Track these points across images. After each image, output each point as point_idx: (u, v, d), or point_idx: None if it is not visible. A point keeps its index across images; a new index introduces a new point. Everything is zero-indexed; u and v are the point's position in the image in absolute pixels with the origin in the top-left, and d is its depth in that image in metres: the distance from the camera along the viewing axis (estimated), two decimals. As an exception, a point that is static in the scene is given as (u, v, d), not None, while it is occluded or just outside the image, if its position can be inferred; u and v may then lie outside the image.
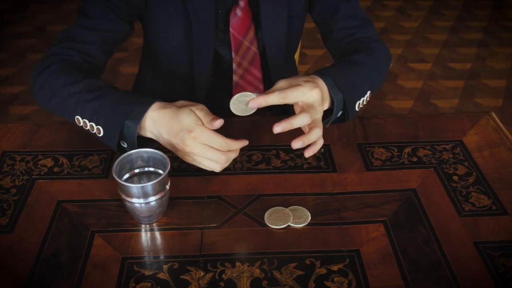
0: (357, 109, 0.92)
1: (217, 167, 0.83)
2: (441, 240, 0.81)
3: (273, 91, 0.81)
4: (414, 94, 2.80)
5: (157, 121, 0.83)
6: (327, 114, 0.89)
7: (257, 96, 0.79)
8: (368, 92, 0.94)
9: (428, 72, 3.01)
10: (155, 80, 1.25)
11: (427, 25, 3.57)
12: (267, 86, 1.21)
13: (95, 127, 0.85)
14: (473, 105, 2.71)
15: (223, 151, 0.82)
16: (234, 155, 0.84)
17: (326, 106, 0.87)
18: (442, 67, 3.07)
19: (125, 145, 0.86)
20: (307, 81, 0.83)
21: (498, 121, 1.06)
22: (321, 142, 0.81)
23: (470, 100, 2.76)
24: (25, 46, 3.18)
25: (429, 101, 2.75)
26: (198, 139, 0.80)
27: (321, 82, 0.86)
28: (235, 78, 1.15)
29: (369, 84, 0.95)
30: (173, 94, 0.95)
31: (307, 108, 0.80)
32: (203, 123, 0.81)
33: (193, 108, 0.82)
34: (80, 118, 0.87)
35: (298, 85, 0.81)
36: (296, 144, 0.78)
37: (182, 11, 1.04)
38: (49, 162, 0.95)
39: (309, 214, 0.84)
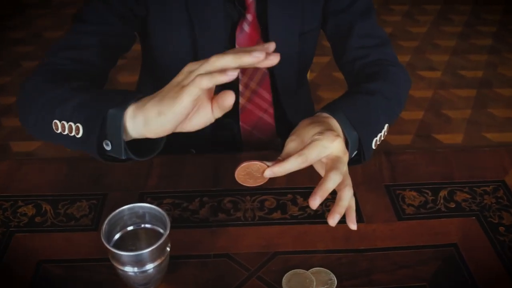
0: (374, 147, 0.78)
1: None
2: (493, 312, 0.68)
3: (287, 155, 0.66)
4: (425, 104, 2.68)
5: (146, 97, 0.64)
6: None
7: (272, 164, 0.64)
8: (386, 126, 0.81)
9: (438, 81, 2.89)
10: None
11: (435, 30, 3.45)
12: (277, 109, 1.09)
13: (73, 126, 0.67)
14: (486, 116, 2.59)
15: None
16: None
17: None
18: (452, 75, 2.94)
19: (109, 147, 0.66)
20: (322, 132, 0.67)
21: (542, 156, 0.94)
22: (353, 202, 0.67)
23: (483, 111, 2.64)
24: (21, 54, 3.06)
25: (440, 111, 2.62)
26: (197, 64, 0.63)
27: (334, 123, 0.72)
28: (242, 101, 1.03)
29: (387, 117, 0.81)
30: None
31: (333, 163, 0.65)
32: None
33: None
34: (58, 122, 0.69)
35: (315, 140, 0.66)
36: (335, 220, 0.63)
37: (187, 24, 0.93)
38: (30, 210, 0.82)
39: (335, 278, 0.72)
